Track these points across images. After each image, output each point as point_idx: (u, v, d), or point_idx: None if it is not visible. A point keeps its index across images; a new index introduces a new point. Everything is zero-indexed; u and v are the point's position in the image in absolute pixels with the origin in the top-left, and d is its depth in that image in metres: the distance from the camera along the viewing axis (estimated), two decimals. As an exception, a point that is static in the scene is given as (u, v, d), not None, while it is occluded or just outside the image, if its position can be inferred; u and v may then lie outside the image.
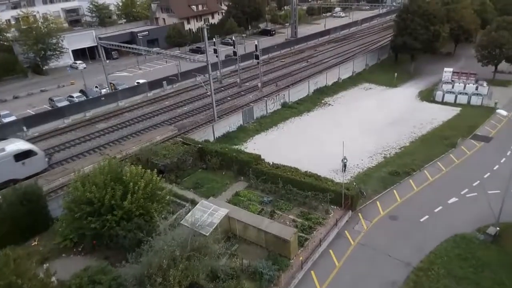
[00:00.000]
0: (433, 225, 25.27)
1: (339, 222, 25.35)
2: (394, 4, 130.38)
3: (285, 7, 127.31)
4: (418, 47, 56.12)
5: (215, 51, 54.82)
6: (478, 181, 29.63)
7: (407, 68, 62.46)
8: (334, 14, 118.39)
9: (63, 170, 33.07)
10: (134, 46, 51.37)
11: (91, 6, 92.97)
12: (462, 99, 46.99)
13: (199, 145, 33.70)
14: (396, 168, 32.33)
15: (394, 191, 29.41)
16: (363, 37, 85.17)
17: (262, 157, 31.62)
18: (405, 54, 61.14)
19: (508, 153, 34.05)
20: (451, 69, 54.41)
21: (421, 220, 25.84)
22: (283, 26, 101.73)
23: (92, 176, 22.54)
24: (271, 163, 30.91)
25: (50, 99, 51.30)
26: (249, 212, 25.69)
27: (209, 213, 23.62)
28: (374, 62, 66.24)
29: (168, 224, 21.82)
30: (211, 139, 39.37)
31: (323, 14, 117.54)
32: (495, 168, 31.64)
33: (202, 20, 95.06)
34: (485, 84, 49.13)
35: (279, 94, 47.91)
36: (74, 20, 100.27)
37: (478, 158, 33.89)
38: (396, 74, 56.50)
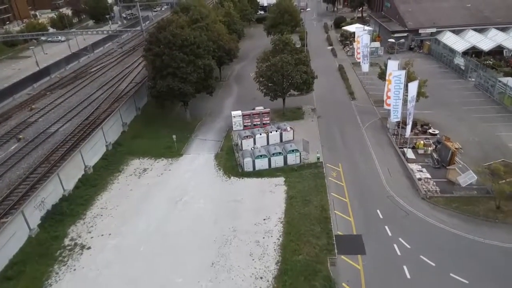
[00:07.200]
0: None
1: None
2: (125, 18, 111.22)
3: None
4: (190, 91, 39.12)
5: None
6: None
7: (181, 116, 45.12)
8: (49, 39, 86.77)
9: None
10: None
11: None
12: (278, 162, 33.37)
13: None
14: None
15: None
16: (103, 71, 60.99)
17: None
18: (174, 101, 42.97)
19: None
20: (239, 112, 40.84)
21: None
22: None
23: None
24: None
25: None
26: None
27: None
28: (133, 115, 45.09)
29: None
30: None
31: (33, 41, 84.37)
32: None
33: None
34: (288, 127, 37.79)
35: None
36: None
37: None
38: (174, 136, 37.55)
